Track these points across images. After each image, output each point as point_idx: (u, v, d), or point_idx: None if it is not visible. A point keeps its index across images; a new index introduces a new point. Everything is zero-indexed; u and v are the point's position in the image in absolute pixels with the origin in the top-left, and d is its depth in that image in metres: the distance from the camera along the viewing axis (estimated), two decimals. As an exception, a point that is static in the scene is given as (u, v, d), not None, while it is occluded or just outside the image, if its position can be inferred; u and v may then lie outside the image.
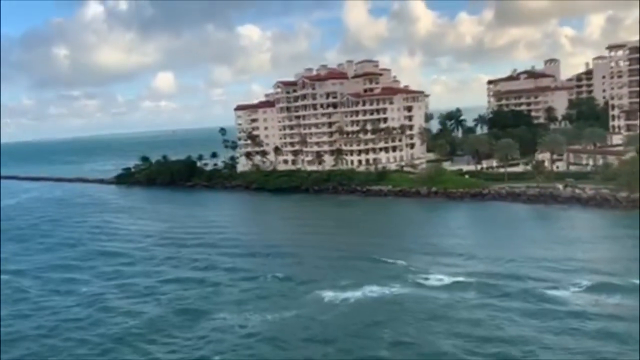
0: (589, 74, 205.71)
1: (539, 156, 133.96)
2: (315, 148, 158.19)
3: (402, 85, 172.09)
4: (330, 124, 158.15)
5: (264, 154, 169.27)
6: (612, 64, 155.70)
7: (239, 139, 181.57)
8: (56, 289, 73.51)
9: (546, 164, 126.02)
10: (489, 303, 56.05)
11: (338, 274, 69.24)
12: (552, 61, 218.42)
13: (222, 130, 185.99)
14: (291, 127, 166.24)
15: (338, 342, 50.46)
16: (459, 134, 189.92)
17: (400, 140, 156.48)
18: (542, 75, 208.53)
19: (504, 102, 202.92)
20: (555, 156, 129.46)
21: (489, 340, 47.65)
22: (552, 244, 77.32)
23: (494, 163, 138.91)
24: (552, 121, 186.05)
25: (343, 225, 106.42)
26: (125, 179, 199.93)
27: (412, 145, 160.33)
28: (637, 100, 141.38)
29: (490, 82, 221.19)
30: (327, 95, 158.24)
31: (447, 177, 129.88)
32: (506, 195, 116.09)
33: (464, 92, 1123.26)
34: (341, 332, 52.33)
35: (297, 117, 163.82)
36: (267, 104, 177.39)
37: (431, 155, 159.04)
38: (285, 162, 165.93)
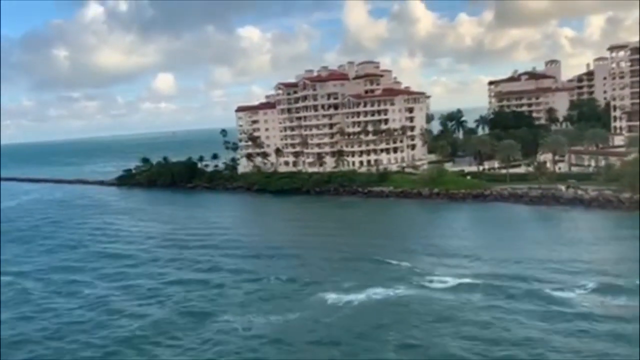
0: (589, 74, 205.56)
1: (541, 157, 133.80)
2: (316, 149, 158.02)
3: (402, 87, 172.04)
4: (331, 125, 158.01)
5: (265, 155, 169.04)
6: (614, 65, 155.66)
7: (240, 140, 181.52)
8: (59, 291, 73.21)
9: (548, 165, 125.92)
10: (496, 305, 55.74)
11: (342, 276, 68.92)
12: (553, 62, 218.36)
13: (223, 132, 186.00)
14: (292, 129, 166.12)
15: (343, 344, 50.19)
16: (460, 135, 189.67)
17: (401, 141, 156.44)
18: (543, 76, 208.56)
19: (505, 103, 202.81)
20: (557, 157, 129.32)
21: (496, 342, 47.42)
22: (556, 245, 77.10)
23: (496, 164, 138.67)
24: (553, 122, 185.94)
25: (345, 226, 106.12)
26: (126, 180, 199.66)
27: (413, 147, 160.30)
28: (639, 101, 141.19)
29: (491, 83, 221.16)
30: (328, 96, 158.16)
31: (448, 178, 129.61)
32: (508, 196, 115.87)
33: (464, 93, 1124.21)
34: (347, 334, 52.02)
35: (298, 119, 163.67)
36: (268, 105, 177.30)
37: (432, 157, 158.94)
38: (286, 163, 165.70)
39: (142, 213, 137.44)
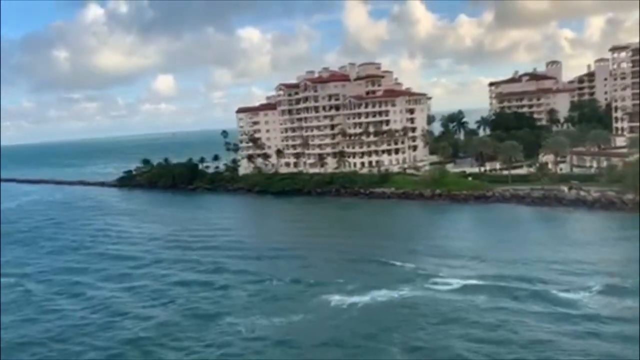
0: (590, 75, 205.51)
1: (543, 158, 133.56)
2: (318, 150, 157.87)
3: (403, 88, 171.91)
4: (332, 127, 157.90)
5: (266, 156, 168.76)
6: (615, 66, 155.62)
7: (241, 141, 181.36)
8: (62, 293, 72.92)
9: (550, 166, 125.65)
10: (502, 306, 55.46)
11: (346, 277, 68.60)
12: (553, 63, 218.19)
13: (224, 133, 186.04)
14: (293, 130, 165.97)
15: (348, 347, 49.92)
16: (461, 136, 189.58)
17: (402, 142, 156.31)
18: (543, 77, 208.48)
19: (505, 104, 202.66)
20: (558, 158, 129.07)
21: (504, 344, 47.16)
22: (560, 246, 76.90)
23: (497, 165, 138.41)
24: (554, 123, 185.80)
25: (347, 227, 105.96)
26: (126, 181, 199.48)
27: (414, 148, 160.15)
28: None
29: (491, 84, 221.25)
30: (330, 97, 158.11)
31: (450, 179, 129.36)
32: (510, 197, 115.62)
33: (464, 94, 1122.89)
34: (352, 336, 51.71)
35: (299, 120, 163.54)
36: (269, 106, 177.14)
37: (434, 158, 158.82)
38: (287, 164, 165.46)
39: (144, 214, 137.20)
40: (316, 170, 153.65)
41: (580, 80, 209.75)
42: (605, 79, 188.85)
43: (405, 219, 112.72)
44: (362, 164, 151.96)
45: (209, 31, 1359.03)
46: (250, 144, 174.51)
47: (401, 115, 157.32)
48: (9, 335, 58.74)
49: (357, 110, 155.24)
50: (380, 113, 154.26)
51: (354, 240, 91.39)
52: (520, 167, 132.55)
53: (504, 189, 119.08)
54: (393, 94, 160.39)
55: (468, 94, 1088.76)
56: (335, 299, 61.46)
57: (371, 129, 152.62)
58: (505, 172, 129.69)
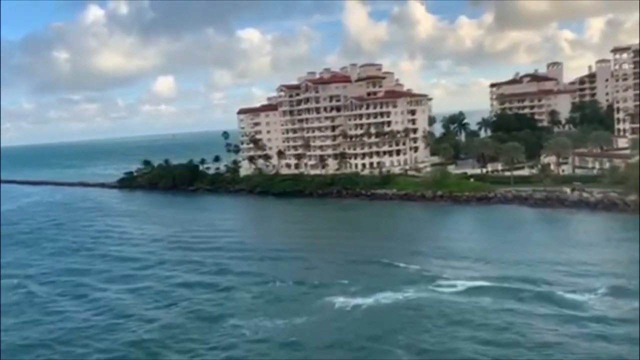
0: (591, 77, 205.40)
1: (544, 159, 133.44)
2: (319, 152, 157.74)
3: (404, 89, 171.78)
4: (333, 128, 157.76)
5: (266, 157, 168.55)
6: (616, 67, 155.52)
7: (242, 142, 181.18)
8: (65, 294, 72.62)
9: (552, 167, 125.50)
10: (508, 308, 55.21)
11: (349, 279, 68.34)
12: (554, 64, 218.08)
13: (225, 134, 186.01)
14: (294, 131, 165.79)
15: (353, 349, 49.68)
16: (462, 137, 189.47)
17: (404, 143, 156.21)
18: (544, 78, 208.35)
19: (507, 105, 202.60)
20: (560, 159, 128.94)
21: (511, 346, 46.91)
22: (564, 248, 76.71)
23: (499, 166, 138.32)
24: (555, 124, 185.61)
25: (350, 229, 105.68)
26: (127, 183, 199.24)
27: (416, 149, 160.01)
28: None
29: (492, 85, 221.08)
30: (331, 98, 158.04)
31: (452, 180, 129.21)
32: (513, 198, 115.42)
33: (464, 95, 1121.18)
34: (356, 338, 51.45)
35: (300, 121, 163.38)
36: (270, 107, 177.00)
37: (435, 159, 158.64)
38: (288, 166, 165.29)
39: (145, 216, 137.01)
40: (317, 171, 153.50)
41: (582, 81, 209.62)
42: (607, 80, 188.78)
43: (408, 220, 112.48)
44: (364, 165, 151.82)
45: (209, 32, 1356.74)
46: (251, 145, 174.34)
47: (402, 117, 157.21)
48: (12, 337, 58.38)
49: (358, 112, 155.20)
50: (381, 114, 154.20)
51: (356, 242, 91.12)
52: (522, 168, 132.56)
53: (506, 190, 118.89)
54: (394, 95, 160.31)
55: (468, 96, 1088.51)
56: (339, 300, 61.16)
57: (372, 130, 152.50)
58: (507, 174, 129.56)
